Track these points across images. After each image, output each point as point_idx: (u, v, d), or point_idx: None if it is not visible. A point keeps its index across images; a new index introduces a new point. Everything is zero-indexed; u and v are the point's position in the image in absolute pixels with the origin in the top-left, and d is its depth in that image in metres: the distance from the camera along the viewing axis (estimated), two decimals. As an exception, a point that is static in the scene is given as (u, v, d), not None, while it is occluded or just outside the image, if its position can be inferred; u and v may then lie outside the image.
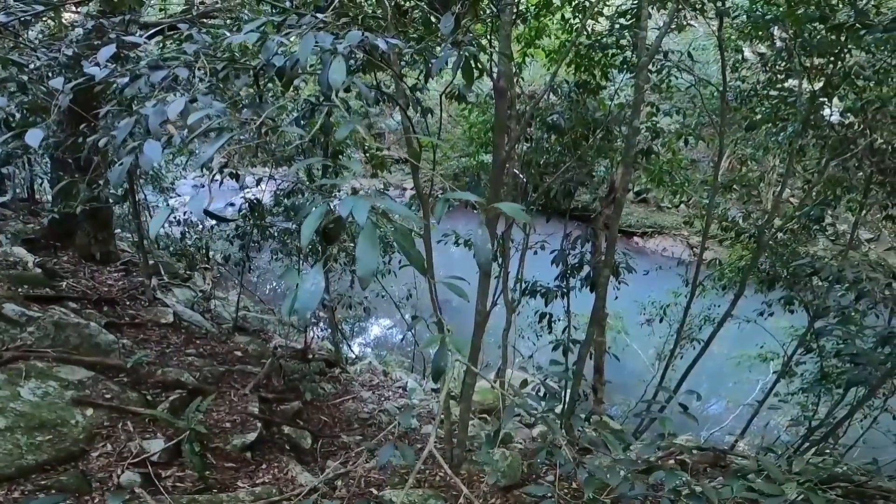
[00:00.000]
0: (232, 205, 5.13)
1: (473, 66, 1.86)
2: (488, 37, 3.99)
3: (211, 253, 6.47)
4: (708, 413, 7.78)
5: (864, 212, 4.79)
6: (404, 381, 6.18)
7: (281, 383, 4.58)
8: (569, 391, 4.75)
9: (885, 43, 4.01)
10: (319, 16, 1.62)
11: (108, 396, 3.02)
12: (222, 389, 3.89)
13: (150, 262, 5.48)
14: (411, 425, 4.90)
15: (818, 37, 4.20)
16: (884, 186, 4.62)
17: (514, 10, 4.59)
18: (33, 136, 1.47)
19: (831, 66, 4.39)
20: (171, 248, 5.57)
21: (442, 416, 4.32)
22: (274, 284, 10.52)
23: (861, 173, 4.78)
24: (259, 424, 3.50)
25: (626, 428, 5.29)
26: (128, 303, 4.72)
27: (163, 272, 5.97)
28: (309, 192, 4.90)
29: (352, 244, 4.95)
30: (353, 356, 7.07)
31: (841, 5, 4.07)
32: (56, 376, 2.94)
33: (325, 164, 4.61)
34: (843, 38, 3.99)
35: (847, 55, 4.30)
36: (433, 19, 2.92)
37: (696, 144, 5.32)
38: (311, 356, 5.42)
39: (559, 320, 4.68)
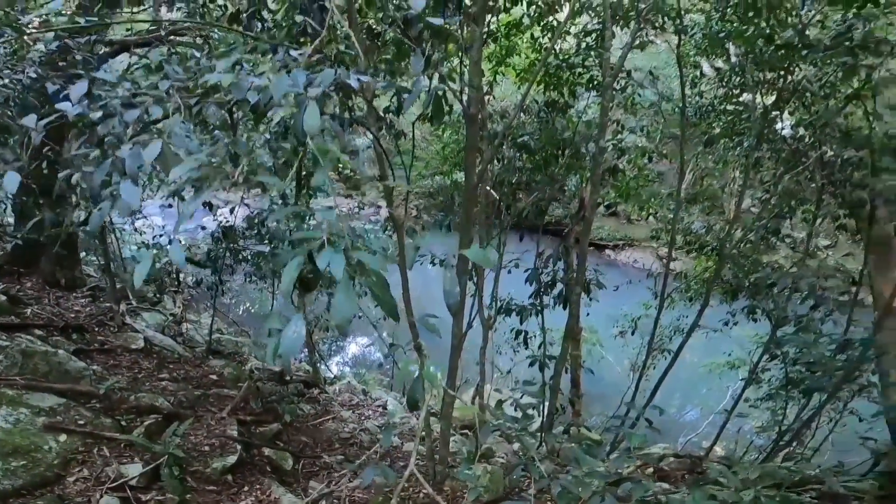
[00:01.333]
0: (203, 228, 5.10)
1: (444, 103, 1.95)
2: (460, 56, 4.14)
3: (182, 276, 6.39)
4: (684, 420, 7.94)
5: (818, 222, 5.04)
6: (384, 399, 6.16)
7: (259, 406, 4.54)
8: (546, 405, 4.82)
9: (827, 59, 4.27)
10: (294, 52, 1.69)
11: (81, 422, 2.97)
12: (199, 413, 3.84)
13: (118, 286, 5.38)
14: (392, 443, 4.91)
15: (767, 53, 4.46)
16: (835, 197, 4.88)
17: (485, 31, 4.76)
18: (11, 181, 1.49)
19: (781, 80, 4.66)
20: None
21: (423, 434, 4.36)
22: (247, 305, 10.39)
23: (813, 185, 5.05)
24: (239, 447, 3.47)
25: (605, 437, 5.39)
26: (96, 329, 4.63)
27: (131, 296, 5.86)
28: (280, 215, 4.91)
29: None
30: (332, 376, 7.02)
31: (788, 21, 4.35)
32: (27, 403, 2.89)
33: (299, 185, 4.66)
34: (790, 54, 4.26)
35: (796, 69, 4.57)
36: (406, 42, 3.03)
37: (661, 159, 5.55)
38: (288, 378, 5.38)
39: (535, 336, 4.77)
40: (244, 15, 2.99)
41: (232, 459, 3.33)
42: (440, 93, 1.87)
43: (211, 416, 3.85)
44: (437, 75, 2.20)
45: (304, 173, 4.73)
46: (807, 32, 4.68)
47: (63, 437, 2.80)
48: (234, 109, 1.88)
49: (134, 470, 2.83)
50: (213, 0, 4.35)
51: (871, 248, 4.49)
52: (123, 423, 3.22)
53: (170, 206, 4.98)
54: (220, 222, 5.05)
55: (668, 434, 7.19)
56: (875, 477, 4.16)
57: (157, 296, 6.40)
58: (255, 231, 5.06)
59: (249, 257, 4.97)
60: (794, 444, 5.01)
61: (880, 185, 4.27)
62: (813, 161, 4.79)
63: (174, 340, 5.30)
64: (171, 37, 4.58)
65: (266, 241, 5.00)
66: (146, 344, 4.66)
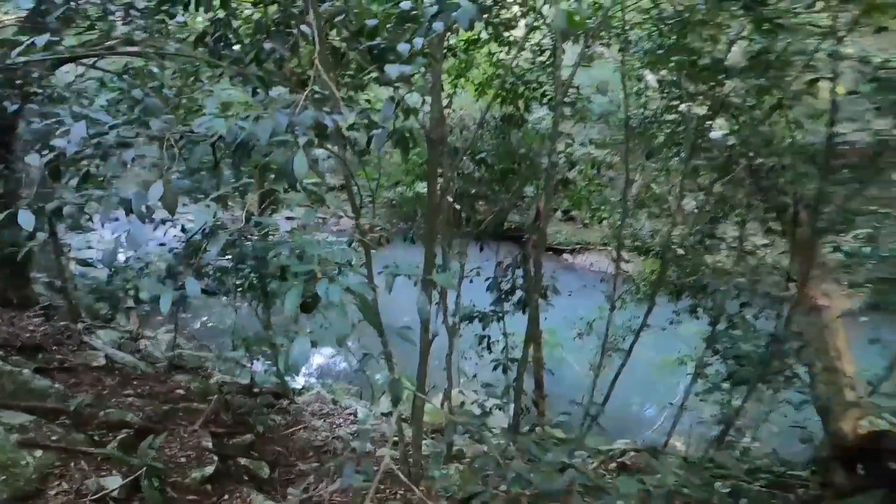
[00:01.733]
0: (162, 244, 5.11)
1: (409, 140, 2.15)
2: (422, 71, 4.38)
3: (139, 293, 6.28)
4: (645, 416, 8.36)
5: (746, 225, 5.49)
6: (354, 408, 6.26)
7: (230, 418, 4.58)
8: (512, 406, 5.07)
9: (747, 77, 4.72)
10: (274, 93, 1.86)
11: (54, 438, 2.99)
12: (170, 427, 3.86)
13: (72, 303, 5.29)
14: (366, 449, 5.04)
15: (695, 71, 4.89)
16: (763, 202, 5.35)
17: (445, 47, 4.99)
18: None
19: (711, 93, 5.09)
20: (93, 289, 5.43)
21: (395, 438, 4.52)
22: (205, 319, 10.25)
23: (743, 190, 5.51)
24: (215, 457, 3.53)
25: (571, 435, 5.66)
26: (55, 347, 4.57)
27: (83, 314, 5.75)
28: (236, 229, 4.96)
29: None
30: (299, 387, 7.05)
31: (719, 37, 4.79)
32: (-2, 422, 2.89)
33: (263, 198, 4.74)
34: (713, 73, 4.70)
35: (725, 81, 5.00)
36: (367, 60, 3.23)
37: (611, 167, 5.92)
38: (257, 390, 5.42)
39: (497, 342, 5.01)
40: (210, 38, 3.11)
41: (210, 469, 3.40)
42: (406, 133, 2.07)
43: (183, 430, 3.88)
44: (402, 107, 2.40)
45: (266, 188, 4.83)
46: (734, 48, 5.16)
47: (39, 453, 2.83)
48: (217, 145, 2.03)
49: (113, 482, 2.88)
50: (171, 16, 4.41)
51: (796, 250, 4.96)
52: (96, 437, 3.25)
53: (116, 219, 4.95)
54: (182, 237, 5.06)
55: (631, 429, 7.57)
56: (812, 464, 4.57)
57: (110, 313, 6.31)
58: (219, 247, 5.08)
59: (211, 272, 4.98)
60: (735, 434, 5.41)
61: (801, 190, 4.74)
62: (742, 168, 5.24)
63: (133, 357, 5.26)
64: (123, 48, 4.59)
65: (229, 257, 5.05)
66: (107, 361, 4.63)
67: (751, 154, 5.18)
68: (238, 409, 4.83)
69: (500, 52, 5.38)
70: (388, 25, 3.28)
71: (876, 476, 3.73)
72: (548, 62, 5.19)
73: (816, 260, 4.71)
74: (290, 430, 5.15)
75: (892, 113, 4.27)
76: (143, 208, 1.54)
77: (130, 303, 7.22)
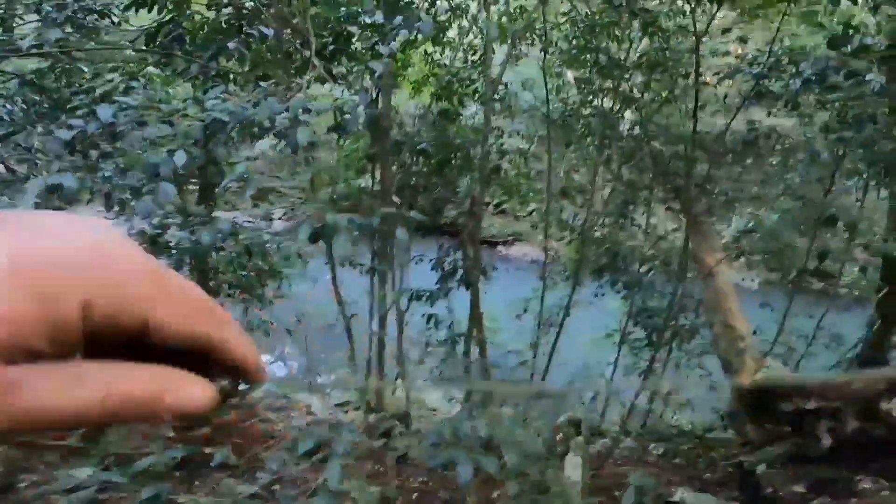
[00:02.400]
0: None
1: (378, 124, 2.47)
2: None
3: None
4: (582, 391, 9.01)
5: (651, 207, 6.23)
6: (306, 402, 6.43)
7: (185, 413, 4.63)
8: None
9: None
10: (264, 83, 2.12)
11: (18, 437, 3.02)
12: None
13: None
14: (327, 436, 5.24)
15: (601, 69, 5.52)
16: (663, 185, 6.11)
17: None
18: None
19: (617, 88, 5.77)
20: None
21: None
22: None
23: (647, 175, 6.26)
24: (179, 446, 3.65)
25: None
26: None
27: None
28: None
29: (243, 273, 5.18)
30: (246, 386, 7.08)
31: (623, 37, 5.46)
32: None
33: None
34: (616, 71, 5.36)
35: (627, 78, 5.67)
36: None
37: (539, 159, 6.49)
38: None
39: (444, 320, 5.40)
40: (165, 38, 3.25)
41: (177, 454, 3.52)
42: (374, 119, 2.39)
43: (140, 423, 3.94)
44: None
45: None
46: (634, 48, 5.85)
47: (1, 448, 2.86)
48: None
49: (83, 473, 2.96)
50: (102, 16, 4.40)
51: (690, 225, 5.72)
52: (54, 432, 3.28)
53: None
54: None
55: (572, 405, 8.16)
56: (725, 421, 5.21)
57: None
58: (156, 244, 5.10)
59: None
60: (661, 402, 6.11)
61: (693, 171, 5.49)
62: (643, 155, 5.96)
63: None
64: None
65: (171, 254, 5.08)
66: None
67: (652, 143, 5.93)
68: (191, 406, 4.87)
69: (435, 52, 5.77)
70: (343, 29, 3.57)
71: (779, 422, 3.98)
72: (478, 61, 5.65)
73: (708, 233, 5.47)
74: (246, 423, 5.26)
75: (764, 105, 5.10)
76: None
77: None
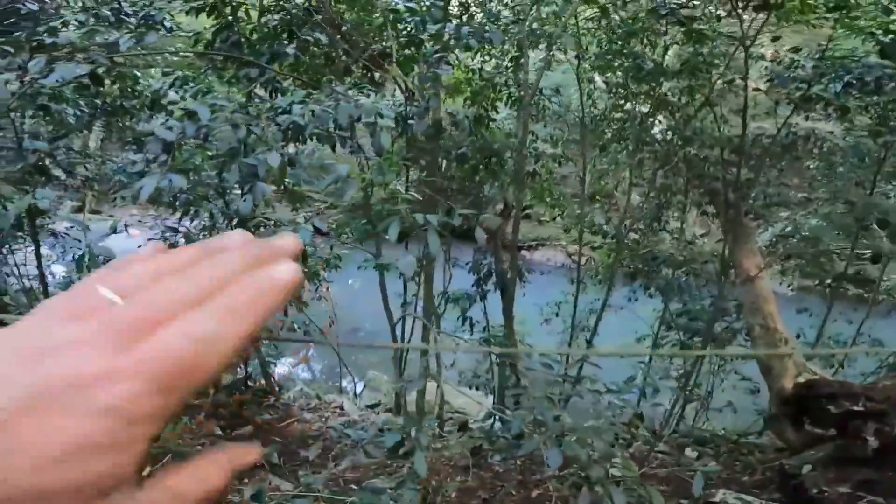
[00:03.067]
0: (140, 246, 5.17)
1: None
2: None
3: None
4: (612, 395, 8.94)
5: (686, 211, 6.20)
6: (339, 402, 6.50)
7: (227, 412, 4.72)
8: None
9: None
10: (339, 88, 2.18)
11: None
12: (175, 420, 3.99)
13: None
14: (362, 437, 5.30)
15: (640, 74, 5.53)
16: (698, 188, 6.07)
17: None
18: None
19: (652, 92, 5.76)
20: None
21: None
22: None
23: (681, 179, 6.23)
24: (229, 445, 3.71)
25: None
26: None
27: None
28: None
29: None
30: (279, 387, 7.17)
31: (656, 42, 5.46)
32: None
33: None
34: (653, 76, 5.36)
35: (662, 82, 5.66)
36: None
37: (564, 163, 6.50)
38: (250, 386, 5.59)
39: (478, 322, 5.42)
40: (225, 43, 3.33)
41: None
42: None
43: (190, 422, 4.03)
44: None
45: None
46: (669, 54, 5.85)
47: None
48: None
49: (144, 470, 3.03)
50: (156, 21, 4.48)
51: (729, 228, 5.68)
52: (115, 432, 3.36)
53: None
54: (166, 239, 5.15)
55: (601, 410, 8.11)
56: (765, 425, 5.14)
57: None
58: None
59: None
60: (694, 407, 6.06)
61: (729, 176, 5.46)
62: (678, 159, 5.94)
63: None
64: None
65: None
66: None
67: (686, 147, 5.90)
68: (230, 404, 4.97)
69: (467, 57, 5.81)
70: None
71: (822, 425, 3.98)
72: (511, 66, 5.69)
73: (747, 237, 5.43)
74: (284, 423, 5.34)
75: (803, 108, 5.05)
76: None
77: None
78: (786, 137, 5.29)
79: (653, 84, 5.65)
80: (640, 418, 3.23)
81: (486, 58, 6.08)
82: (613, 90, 6.35)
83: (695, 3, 4.79)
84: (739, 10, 4.02)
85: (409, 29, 3.51)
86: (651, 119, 6.06)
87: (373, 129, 1.91)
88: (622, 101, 6.34)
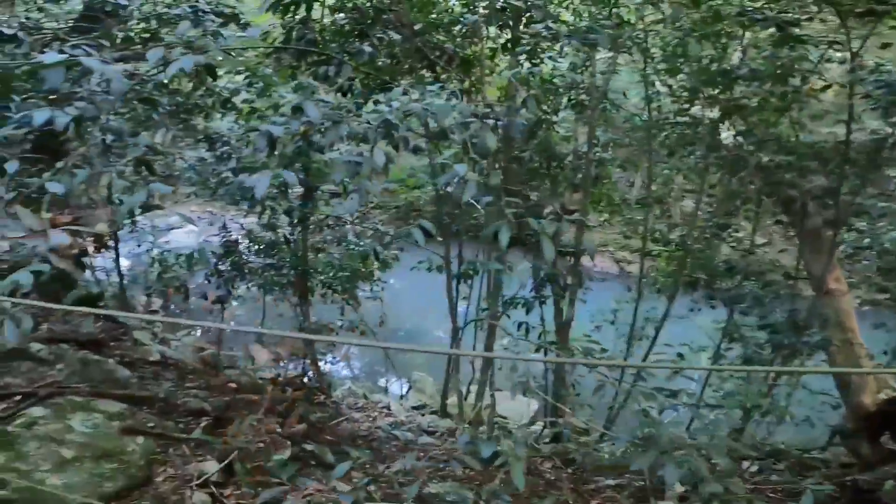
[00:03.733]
0: (208, 242, 5.27)
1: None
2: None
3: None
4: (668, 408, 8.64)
5: (757, 219, 5.90)
6: (385, 402, 6.49)
7: (282, 409, 4.74)
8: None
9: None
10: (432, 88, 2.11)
11: (150, 425, 3.14)
12: (236, 416, 4.02)
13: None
14: (408, 438, 5.26)
15: (714, 77, 5.28)
16: (771, 197, 5.76)
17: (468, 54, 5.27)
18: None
19: (723, 96, 5.50)
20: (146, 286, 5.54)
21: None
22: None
23: (753, 186, 5.93)
24: (289, 443, 3.71)
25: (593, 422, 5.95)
26: (112, 343, 4.67)
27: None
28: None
29: (345, 274, 5.25)
30: (328, 385, 7.22)
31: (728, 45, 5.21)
32: (97, 409, 3.03)
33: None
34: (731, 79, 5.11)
35: (735, 86, 5.40)
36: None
37: (625, 169, 6.29)
38: (304, 384, 5.62)
39: (535, 328, 5.29)
40: (300, 41, 3.32)
41: (287, 454, 3.58)
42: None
43: (247, 419, 4.04)
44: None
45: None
46: (737, 55, 5.57)
47: (140, 440, 2.97)
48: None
49: (211, 467, 3.04)
50: (230, 19, 4.52)
51: (804, 238, 5.36)
52: (181, 425, 3.40)
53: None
54: (225, 236, 5.23)
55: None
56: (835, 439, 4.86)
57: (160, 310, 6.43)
58: (261, 246, 5.26)
59: (258, 270, 5.16)
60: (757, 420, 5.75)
61: (808, 184, 5.15)
62: (752, 167, 5.65)
63: (181, 353, 5.38)
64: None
65: (272, 255, 5.22)
66: (161, 357, 4.76)
67: (759, 153, 5.60)
68: (284, 402, 4.99)
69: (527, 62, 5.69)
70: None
71: None
72: (570, 68, 5.52)
73: (824, 249, 5.11)
74: (334, 421, 5.34)
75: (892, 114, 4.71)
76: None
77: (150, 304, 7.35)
78: (872, 143, 4.96)
79: (723, 88, 5.40)
80: (739, 432, 3.05)
81: (545, 60, 5.94)
82: (678, 94, 6.11)
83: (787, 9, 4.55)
84: (839, 18, 3.77)
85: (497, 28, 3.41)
86: (719, 124, 5.79)
87: (476, 130, 1.83)
88: (687, 105, 6.09)
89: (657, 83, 6.67)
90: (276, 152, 2.22)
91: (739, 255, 6.05)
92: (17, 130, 2.00)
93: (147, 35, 3.72)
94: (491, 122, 1.88)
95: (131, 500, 2.61)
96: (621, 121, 5.88)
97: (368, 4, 3.90)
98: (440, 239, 5.62)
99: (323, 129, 2.07)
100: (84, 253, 4.90)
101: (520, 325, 5.15)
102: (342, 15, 3.95)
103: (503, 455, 1.99)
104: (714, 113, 5.79)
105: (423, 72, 4.56)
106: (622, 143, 6.07)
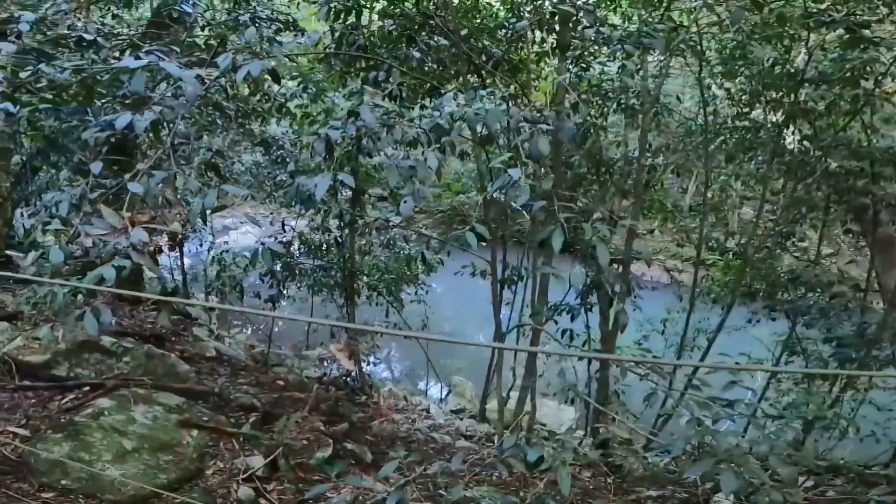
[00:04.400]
0: (263, 244, 5.42)
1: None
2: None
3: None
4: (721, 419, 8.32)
5: (825, 227, 5.55)
6: (425, 404, 6.52)
7: (326, 407, 4.84)
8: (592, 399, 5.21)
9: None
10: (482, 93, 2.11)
11: (205, 419, 3.27)
12: (283, 413, 4.13)
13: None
14: (447, 441, 5.27)
15: (778, 79, 5.03)
16: (840, 204, 5.42)
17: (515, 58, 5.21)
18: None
19: (787, 100, 5.21)
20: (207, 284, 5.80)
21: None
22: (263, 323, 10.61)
23: (820, 193, 5.59)
24: (331, 441, 3.78)
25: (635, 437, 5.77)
26: (173, 338, 4.92)
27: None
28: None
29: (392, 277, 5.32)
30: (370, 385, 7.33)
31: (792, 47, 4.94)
32: (158, 402, 3.19)
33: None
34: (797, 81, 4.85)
35: (800, 89, 5.12)
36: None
37: (678, 175, 6.07)
38: (348, 384, 5.73)
39: (579, 335, 5.18)
40: (351, 47, 3.39)
41: (328, 452, 3.65)
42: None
43: (295, 416, 4.15)
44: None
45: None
46: (812, 59, 5.27)
47: (195, 433, 3.10)
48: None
49: (257, 462, 3.14)
50: (286, 25, 4.64)
51: (877, 248, 5.00)
52: (232, 419, 3.53)
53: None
54: (279, 238, 5.39)
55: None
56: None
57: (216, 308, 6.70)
58: (311, 247, 5.39)
59: (308, 271, 5.30)
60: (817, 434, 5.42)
61: (881, 191, 4.81)
62: (819, 173, 5.33)
63: (234, 350, 5.60)
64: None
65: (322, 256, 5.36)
66: (217, 353, 4.96)
67: (827, 158, 5.28)
68: (328, 401, 5.10)
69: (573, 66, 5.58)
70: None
71: None
72: (619, 72, 5.39)
73: (899, 259, 4.75)
74: (375, 421, 5.41)
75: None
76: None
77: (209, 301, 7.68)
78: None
79: (787, 91, 5.13)
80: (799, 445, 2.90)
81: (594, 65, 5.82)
82: (736, 97, 5.85)
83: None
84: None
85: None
86: (782, 128, 5.49)
87: (529, 135, 1.82)
88: (747, 109, 5.82)
89: (713, 87, 6.41)
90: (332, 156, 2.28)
91: (804, 265, 5.70)
92: (100, 133, 2.13)
93: (212, 41, 3.88)
94: (544, 126, 1.85)
95: (182, 493, 2.72)
96: (674, 125, 5.68)
97: (415, 11, 3.93)
98: (483, 244, 5.62)
99: (376, 134, 2.11)
100: (159, 251, 5.18)
101: (564, 331, 5.06)
102: (390, 21, 4.01)
103: (549, 460, 1.96)
104: (777, 117, 5.51)
105: (469, 77, 4.56)
106: (675, 148, 5.86)
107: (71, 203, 2.03)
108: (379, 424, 5.32)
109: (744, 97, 5.74)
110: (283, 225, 5.15)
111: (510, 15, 5.08)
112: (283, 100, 4.02)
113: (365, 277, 5.34)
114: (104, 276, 1.81)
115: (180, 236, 4.39)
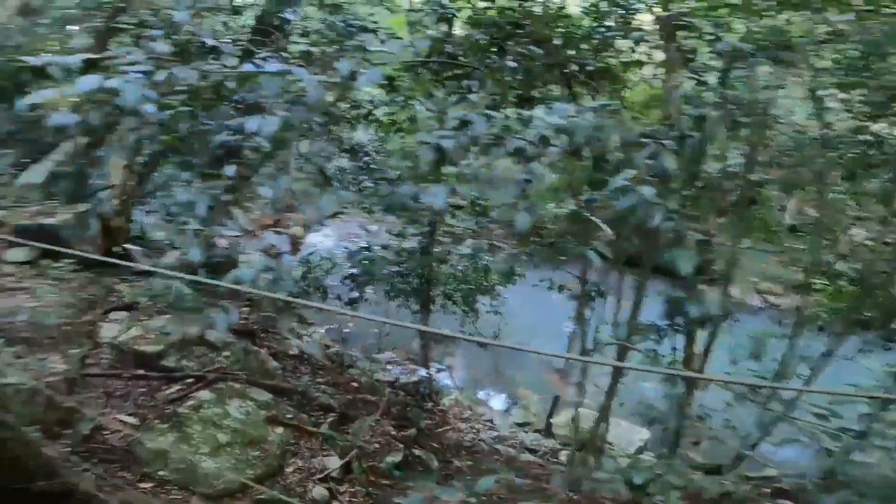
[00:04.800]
0: (346, 248, 5.59)
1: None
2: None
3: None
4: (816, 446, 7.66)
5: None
6: (489, 415, 6.45)
7: (396, 412, 4.88)
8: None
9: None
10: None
11: (289, 417, 3.38)
12: (357, 415, 4.20)
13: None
14: (510, 453, 5.17)
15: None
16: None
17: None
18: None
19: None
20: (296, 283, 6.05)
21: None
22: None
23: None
24: (401, 446, 3.80)
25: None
26: (262, 335, 5.15)
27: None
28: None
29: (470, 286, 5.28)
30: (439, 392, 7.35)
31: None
32: (250, 397, 3.33)
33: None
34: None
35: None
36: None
37: (787, 192, 5.58)
38: (418, 390, 5.76)
39: (664, 356, 4.88)
40: (440, 55, 3.38)
41: (399, 457, 3.67)
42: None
43: (367, 419, 4.21)
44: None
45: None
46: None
47: (279, 430, 3.21)
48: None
49: (333, 462, 3.20)
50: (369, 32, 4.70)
51: None
52: (312, 418, 3.63)
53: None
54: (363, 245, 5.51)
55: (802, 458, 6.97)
56: None
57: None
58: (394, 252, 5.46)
59: (386, 276, 5.38)
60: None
61: None
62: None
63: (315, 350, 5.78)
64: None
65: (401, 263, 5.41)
66: (299, 351, 5.14)
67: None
68: (398, 405, 5.14)
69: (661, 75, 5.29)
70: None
71: None
72: (719, 82, 5.03)
73: None
74: (441, 429, 5.39)
75: None
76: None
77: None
78: None
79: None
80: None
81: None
82: (856, 110, 5.28)
83: None
84: None
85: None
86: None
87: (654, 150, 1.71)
88: (868, 123, 5.24)
89: (826, 99, 5.84)
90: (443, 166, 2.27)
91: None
92: (231, 137, 2.25)
93: (314, 48, 4.00)
94: (665, 142, 1.74)
95: (264, 489, 2.81)
96: (784, 139, 5.22)
97: (504, 20, 3.88)
98: (562, 258, 5.45)
99: (487, 144, 2.08)
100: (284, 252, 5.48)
101: (649, 353, 4.78)
102: (480, 30, 3.97)
103: (656, 482, 1.84)
104: (903, 130, 4.92)
105: (559, 86, 4.44)
106: (783, 164, 5.38)
107: (208, 205, 2.15)
108: (444, 432, 5.29)
109: (866, 109, 5.18)
110: (374, 233, 5.27)
111: (596, 24, 4.90)
112: (371, 107, 4.09)
113: (442, 286, 5.34)
114: (242, 278, 1.91)
115: (301, 238, 4.61)
